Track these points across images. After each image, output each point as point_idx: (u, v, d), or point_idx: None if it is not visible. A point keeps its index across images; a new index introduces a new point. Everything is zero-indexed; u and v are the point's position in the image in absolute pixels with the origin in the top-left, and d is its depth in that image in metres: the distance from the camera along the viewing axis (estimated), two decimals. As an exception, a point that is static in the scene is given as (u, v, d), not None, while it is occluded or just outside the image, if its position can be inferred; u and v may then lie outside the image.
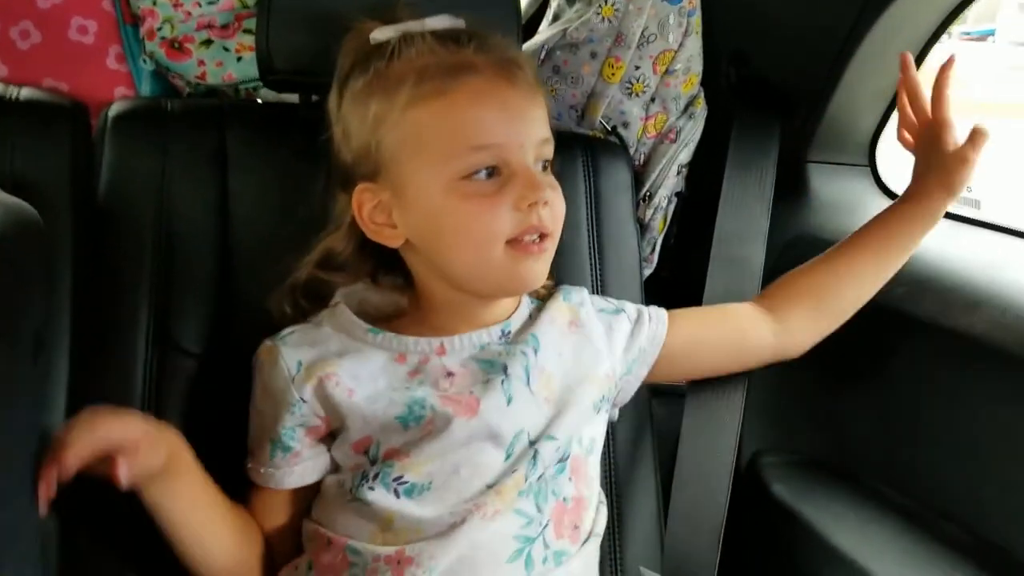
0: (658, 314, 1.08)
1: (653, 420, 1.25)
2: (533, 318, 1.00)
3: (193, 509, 0.92)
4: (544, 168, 0.93)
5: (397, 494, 0.89)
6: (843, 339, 1.32)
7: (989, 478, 1.12)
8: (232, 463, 1.02)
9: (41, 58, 1.28)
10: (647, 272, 1.51)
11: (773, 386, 1.33)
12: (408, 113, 0.89)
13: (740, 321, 1.11)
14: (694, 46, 1.40)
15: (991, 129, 1.04)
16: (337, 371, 0.91)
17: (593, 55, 1.37)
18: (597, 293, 1.19)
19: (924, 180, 1.07)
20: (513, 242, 0.89)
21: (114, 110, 1.14)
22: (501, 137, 0.89)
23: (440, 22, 0.93)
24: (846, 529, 1.20)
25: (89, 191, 1.11)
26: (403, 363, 0.93)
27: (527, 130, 0.91)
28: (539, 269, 0.92)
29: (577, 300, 1.04)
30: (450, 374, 0.93)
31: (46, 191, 1.06)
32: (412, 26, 0.92)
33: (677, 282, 1.51)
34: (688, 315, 1.10)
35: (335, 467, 0.95)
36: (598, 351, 1.01)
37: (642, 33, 1.34)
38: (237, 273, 1.11)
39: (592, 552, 0.98)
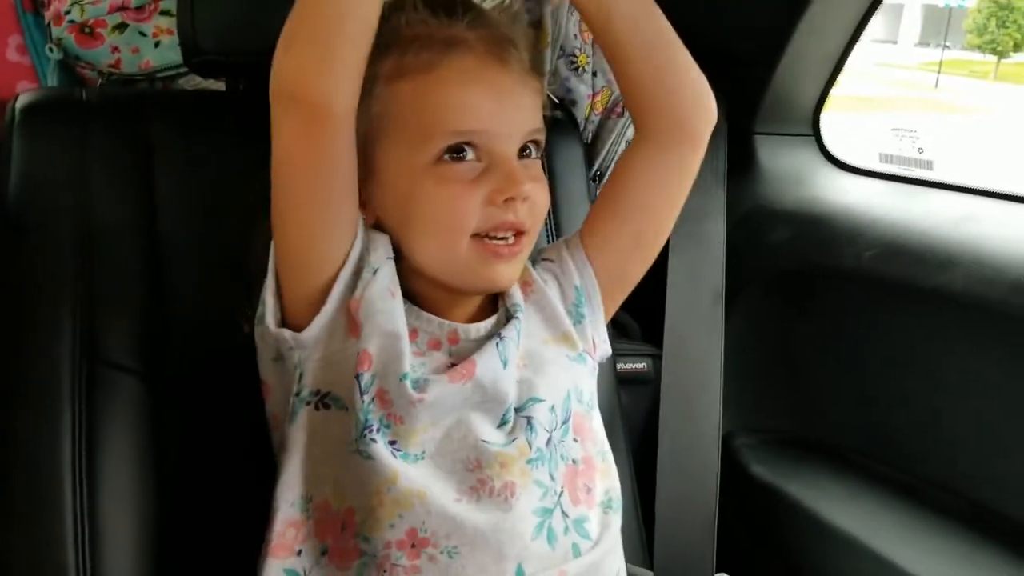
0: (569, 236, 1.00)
1: (622, 409, 1.21)
2: None
3: None
4: (530, 156, 0.87)
5: (394, 455, 0.83)
6: (810, 308, 1.30)
7: (976, 439, 1.11)
8: (182, 486, 0.97)
9: (-70, 53, 1.17)
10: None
11: (738, 364, 1.31)
12: (391, 86, 0.84)
13: (624, 160, 0.99)
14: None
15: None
16: (397, 296, 0.86)
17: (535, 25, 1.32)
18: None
19: None
20: (480, 238, 0.84)
21: (22, 102, 1.03)
22: (486, 124, 0.83)
23: None
24: (835, 504, 1.19)
25: (-3, 194, 1.00)
26: (413, 341, 0.87)
27: (516, 118, 0.85)
28: (508, 273, 0.87)
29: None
30: (452, 365, 0.87)
31: (-55, 197, 0.96)
32: None
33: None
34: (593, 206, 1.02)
35: (325, 399, 0.86)
36: (554, 304, 0.96)
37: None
38: (169, 275, 1.02)
39: (615, 524, 0.93)
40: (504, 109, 0.84)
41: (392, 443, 0.84)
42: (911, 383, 1.19)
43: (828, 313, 1.29)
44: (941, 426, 1.15)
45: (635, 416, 1.34)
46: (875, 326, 1.23)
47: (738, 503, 1.23)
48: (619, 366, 1.28)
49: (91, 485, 0.93)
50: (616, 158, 1.44)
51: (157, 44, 1.23)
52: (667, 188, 0.97)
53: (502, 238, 0.85)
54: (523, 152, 0.87)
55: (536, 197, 0.86)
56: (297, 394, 0.87)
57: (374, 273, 0.86)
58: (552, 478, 0.87)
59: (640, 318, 1.48)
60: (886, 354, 1.21)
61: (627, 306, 1.50)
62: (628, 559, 0.99)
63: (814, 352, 1.32)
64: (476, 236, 0.84)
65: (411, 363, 0.85)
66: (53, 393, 0.95)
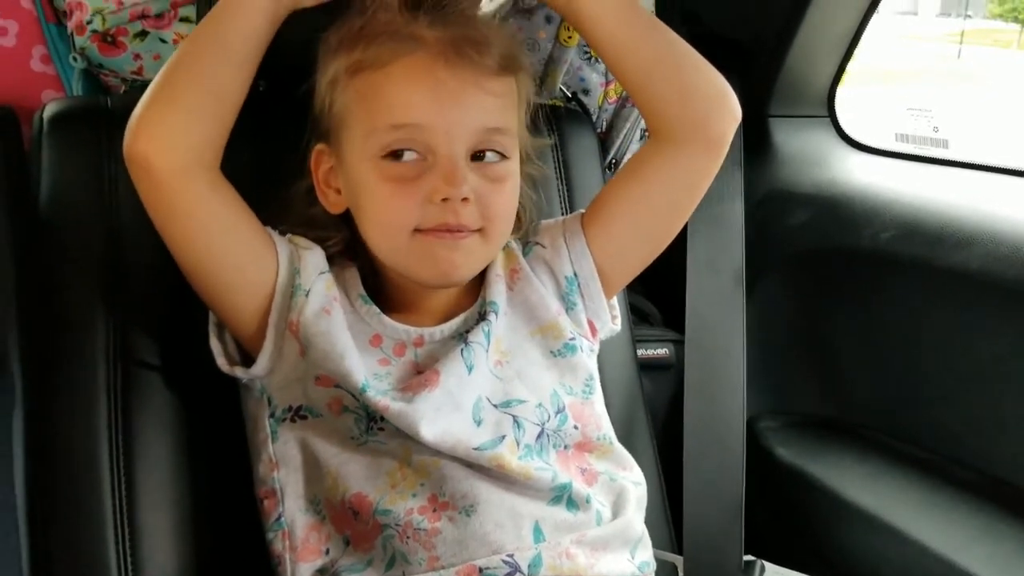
0: (568, 217, 1.01)
1: (644, 396, 1.22)
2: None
3: (258, 38, 0.87)
4: (485, 160, 0.87)
5: (406, 433, 0.86)
6: (829, 289, 1.30)
7: (995, 415, 1.11)
8: (214, 480, 0.99)
9: (-43, 66, 1.19)
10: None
11: (759, 346, 1.31)
12: (353, 79, 0.87)
13: (639, 156, 0.99)
14: (647, 2, 1.37)
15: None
16: (334, 311, 0.90)
17: (548, 19, 1.33)
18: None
19: None
20: (424, 232, 0.86)
21: (49, 111, 1.05)
22: (424, 119, 0.84)
23: None
24: (859, 484, 1.19)
25: (27, 202, 1.02)
26: (377, 347, 0.91)
27: (460, 117, 0.85)
28: (458, 261, 0.87)
29: (513, 245, 0.99)
30: (419, 372, 0.90)
31: (-22, 205, 0.98)
32: None
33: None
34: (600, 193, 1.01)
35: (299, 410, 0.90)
36: (540, 294, 0.96)
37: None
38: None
39: (632, 494, 0.94)
40: (443, 106, 0.84)
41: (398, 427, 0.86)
42: (930, 362, 1.19)
43: (847, 294, 1.29)
44: (960, 404, 1.15)
45: (658, 402, 1.35)
46: (894, 306, 1.23)
47: (764, 486, 1.24)
48: (640, 352, 1.28)
49: (129, 482, 0.95)
50: (632, 146, 1.45)
51: (177, 50, 1.24)
52: (681, 190, 0.96)
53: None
54: (479, 155, 0.87)
55: (487, 198, 0.86)
56: (271, 415, 0.90)
57: (306, 295, 0.89)
58: (547, 464, 0.90)
59: (660, 303, 1.49)
60: (905, 334, 1.22)
61: (646, 292, 1.51)
62: (655, 544, 1.00)
63: (835, 333, 1.32)
64: (420, 231, 0.86)
65: (371, 374, 0.87)
66: (89, 393, 0.97)
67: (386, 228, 0.87)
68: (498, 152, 0.88)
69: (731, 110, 0.93)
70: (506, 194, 0.89)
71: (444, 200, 0.84)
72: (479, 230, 0.87)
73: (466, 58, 0.85)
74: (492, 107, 0.87)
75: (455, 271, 0.88)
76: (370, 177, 0.86)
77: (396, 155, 0.85)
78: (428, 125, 0.84)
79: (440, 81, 0.84)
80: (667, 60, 0.91)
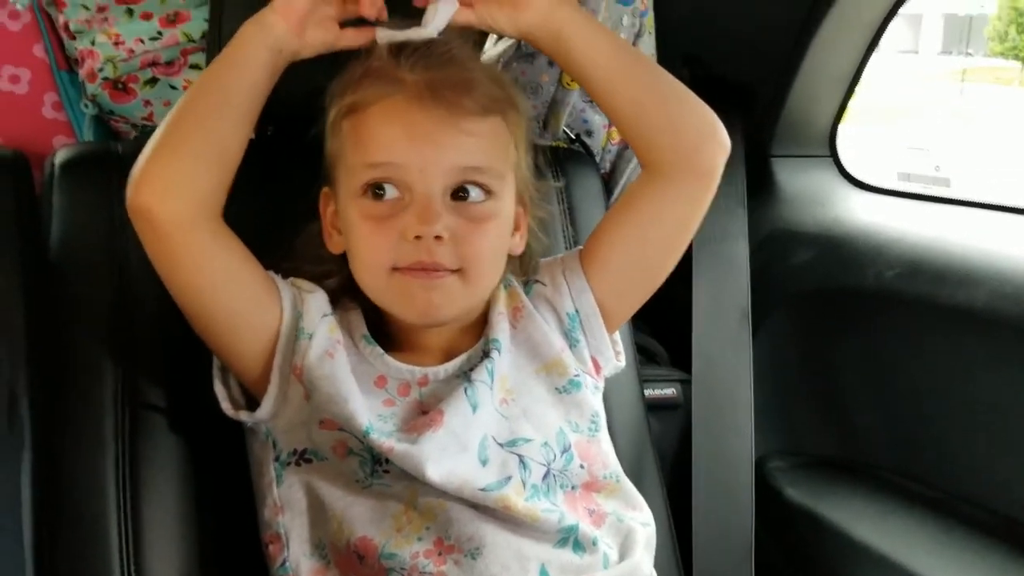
0: (567, 254, 1.01)
1: (652, 436, 1.22)
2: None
3: (258, 89, 0.88)
4: (466, 198, 0.88)
5: (412, 475, 0.86)
6: (835, 328, 1.30)
7: (1004, 453, 1.11)
8: (220, 524, 0.99)
9: (-30, 112, 1.21)
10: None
11: (768, 387, 1.31)
12: (344, 121, 0.90)
13: (631, 190, 0.99)
14: (648, 47, 1.39)
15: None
16: (337, 354, 0.90)
17: (551, 63, 1.34)
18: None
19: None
20: (402, 271, 0.87)
21: (60, 157, 1.07)
22: (399, 157, 0.86)
23: (415, 33, 0.88)
24: (870, 525, 1.19)
25: (38, 246, 1.03)
26: (381, 388, 0.91)
27: (434, 155, 0.86)
28: (434, 299, 0.87)
29: (515, 283, 0.99)
30: (423, 412, 0.90)
31: (-9, 249, 0.99)
32: (399, 34, 0.88)
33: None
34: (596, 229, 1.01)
35: (302, 454, 0.90)
36: (543, 331, 0.96)
37: (599, 36, 1.31)
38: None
39: (641, 536, 0.94)
40: (416, 145, 0.86)
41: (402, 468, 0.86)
42: (937, 400, 1.19)
43: (853, 333, 1.30)
44: (969, 442, 1.15)
45: (666, 443, 1.34)
46: (900, 344, 1.23)
47: (773, 527, 1.23)
48: (647, 393, 1.28)
49: (136, 526, 0.95)
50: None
51: (187, 96, 1.26)
52: (675, 222, 0.96)
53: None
54: (459, 193, 0.88)
55: (465, 237, 0.87)
56: (276, 459, 0.90)
57: (310, 338, 0.89)
58: (554, 504, 0.89)
59: (667, 343, 1.49)
60: (913, 372, 1.22)
61: (653, 331, 1.52)
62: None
63: (841, 372, 1.32)
64: (397, 270, 0.87)
65: (375, 416, 0.88)
66: (97, 436, 0.97)
67: (368, 267, 0.89)
68: (483, 190, 0.88)
69: (720, 141, 0.94)
70: (488, 235, 0.89)
71: (417, 238, 0.85)
72: (458, 271, 0.87)
73: (442, 100, 0.86)
74: (472, 147, 0.88)
75: (435, 311, 0.88)
76: (353, 215, 0.88)
77: (377, 194, 0.87)
78: (403, 163, 0.86)
79: (414, 122, 0.86)
80: (656, 92, 0.93)
